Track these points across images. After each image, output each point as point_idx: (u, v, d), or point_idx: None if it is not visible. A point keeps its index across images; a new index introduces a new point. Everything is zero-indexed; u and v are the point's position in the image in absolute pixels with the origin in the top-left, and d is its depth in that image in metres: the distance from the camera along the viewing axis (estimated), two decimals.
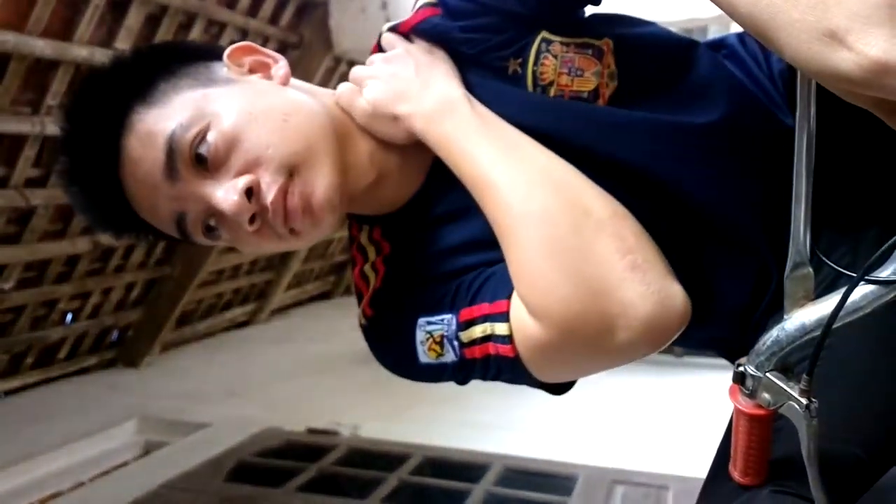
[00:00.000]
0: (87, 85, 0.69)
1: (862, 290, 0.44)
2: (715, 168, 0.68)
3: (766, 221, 0.67)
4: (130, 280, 3.61)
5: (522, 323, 0.62)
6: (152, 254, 3.66)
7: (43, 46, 2.50)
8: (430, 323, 0.68)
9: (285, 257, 4.66)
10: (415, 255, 0.74)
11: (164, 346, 3.95)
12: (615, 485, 2.37)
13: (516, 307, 0.63)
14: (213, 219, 0.65)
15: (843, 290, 0.45)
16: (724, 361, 0.81)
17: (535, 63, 0.69)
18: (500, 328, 0.64)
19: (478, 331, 0.66)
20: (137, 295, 3.75)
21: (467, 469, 2.52)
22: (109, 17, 2.76)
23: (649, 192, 0.67)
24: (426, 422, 2.62)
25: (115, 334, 3.81)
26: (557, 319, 0.59)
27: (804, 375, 0.46)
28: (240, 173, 0.63)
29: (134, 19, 2.80)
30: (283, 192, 0.63)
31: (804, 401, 0.46)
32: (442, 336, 0.67)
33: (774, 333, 0.48)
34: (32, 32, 2.47)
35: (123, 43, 2.81)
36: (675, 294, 0.59)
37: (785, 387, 0.47)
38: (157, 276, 3.75)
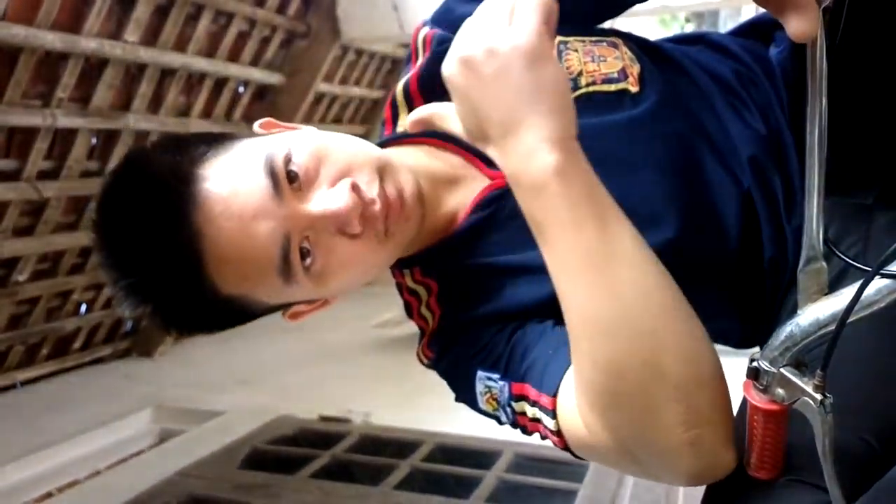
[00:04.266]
0: (122, 176, 0.66)
1: (876, 285, 0.44)
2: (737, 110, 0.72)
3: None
4: None
5: (572, 427, 0.61)
6: None
7: (53, 39, 2.51)
8: (488, 378, 0.69)
9: None
10: (466, 284, 0.73)
11: (177, 335, 3.98)
12: None
13: (564, 411, 0.62)
14: (308, 237, 0.63)
15: (857, 284, 0.44)
16: (733, 348, 0.81)
17: (559, 62, 0.70)
18: (549, 422, 0.63)
19: (528, 411, 0.66)
20: None
21: (479, 456, 2.52)
22: (118, 9, 2.76)
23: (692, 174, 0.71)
24: (438, 409, 2.60)
25: (129, 324, 3.84)
26: (608, 445, 0.58)
27: (818, 371, 0.46)
28: (334, 182, 0.64)
29: (142, 11, 2.80)
30: (382, 188, 0.65)
31: (818, 396, 0.46)
32: (496, 398, 0.69)
33: (788, 328, 0.48)
34: (42, 25, 2.48)
35: (132, 35, 2.81)
36: (725, 463, 0.55)
37: (799, 382, 0.47)
38: None
